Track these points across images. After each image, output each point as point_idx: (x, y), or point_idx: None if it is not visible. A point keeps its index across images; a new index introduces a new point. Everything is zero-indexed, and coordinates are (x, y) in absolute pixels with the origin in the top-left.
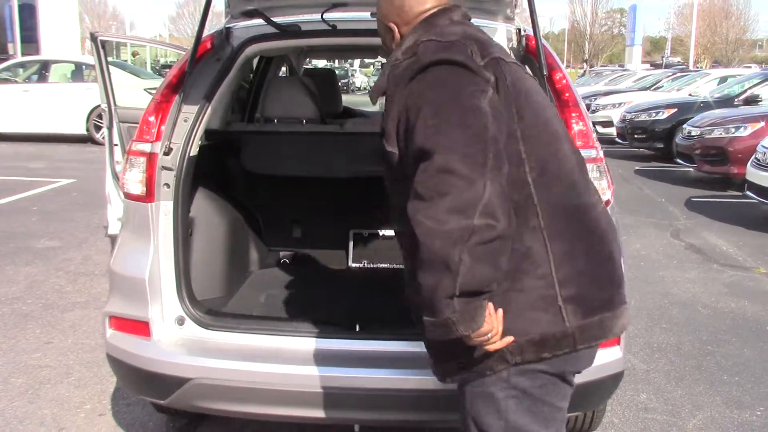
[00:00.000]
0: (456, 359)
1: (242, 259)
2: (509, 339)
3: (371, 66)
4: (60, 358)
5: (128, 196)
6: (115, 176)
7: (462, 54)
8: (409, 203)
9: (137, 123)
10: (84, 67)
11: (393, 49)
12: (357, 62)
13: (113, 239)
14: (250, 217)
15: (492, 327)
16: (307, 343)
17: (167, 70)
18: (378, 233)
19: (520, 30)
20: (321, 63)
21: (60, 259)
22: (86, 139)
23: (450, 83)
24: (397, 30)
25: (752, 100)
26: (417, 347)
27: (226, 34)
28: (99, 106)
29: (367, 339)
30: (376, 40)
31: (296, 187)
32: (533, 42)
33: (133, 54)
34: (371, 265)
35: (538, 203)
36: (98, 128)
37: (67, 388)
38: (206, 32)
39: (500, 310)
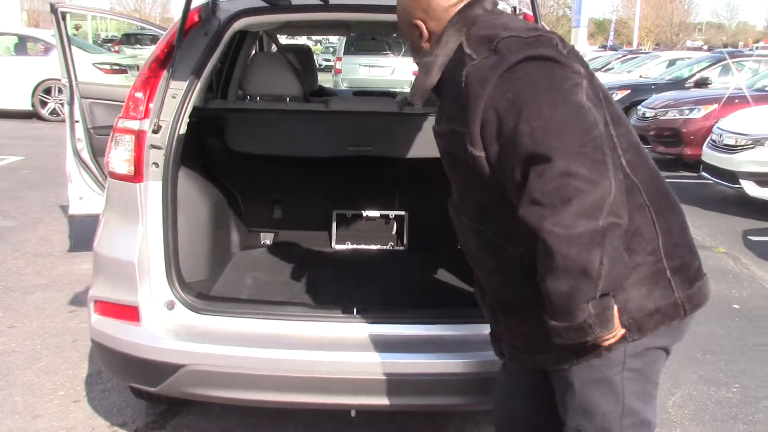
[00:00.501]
0: (565, 347)
1: (224, 240)
2: (622, 332)
3: None
4: (26, 342)
5: (113, 175)
6: (77, 154)
7: (551, 48)
8: (524, 209)
9: (100, 99)
10: (28, 40)
11: (423, 47)
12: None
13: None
14: (230, 197)
15: (618, 323)
16: (305, 328)
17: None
18: (361, 214)
19: (515, 9)
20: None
21: (16, 240)
22: (32, 115)
23: (545, 80)
24: (424, 27)
25: (702, 83)
26: (416, 330)
27: (212, 6)
28: (45, 80)
29: (366, 322)
30: (371, 16)
31: (278, 166)
32: (532, 21)
33: (76, 27)
34: (355, 246)
35: (638, 182)
36: (44, 103)
37: (36, 374)
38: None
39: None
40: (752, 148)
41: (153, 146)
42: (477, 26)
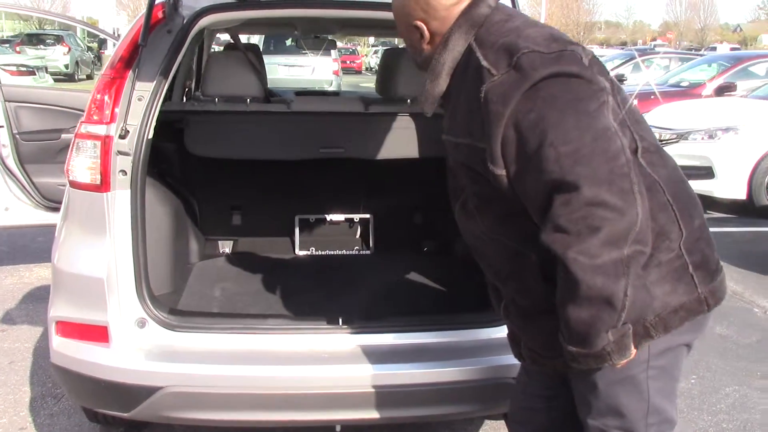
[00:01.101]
0: None
1: (183, 250)
2: (634, 352)
3: None
4: None
5: (75, 185)
6: (1, 161)
7: (575, 63)
8: (548, 236)
9: (26, 102)
10: None
11: (424, 49)
12: None
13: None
14: (186, 204)
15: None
16: (289, 341)
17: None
18: (325, 218)
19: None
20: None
21: None
22: None
23: (571, 101)
24: (426, 28)
25: (619, 80)
26: (404, 339)
27: (174, 2)
28: None
29: (352, 333)
30: (350, 13)
31: (236, 170)
32: None
33: None
34: (319, 253)
35: (660, 180)
36: None
37: None
38: None
39: None
40: (676, 142)
41: (120, 152)
42: (487, 30)
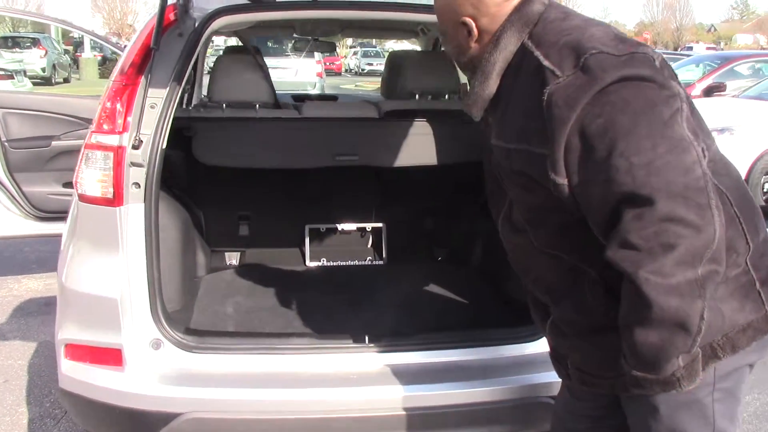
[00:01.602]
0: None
1: (191, 264)
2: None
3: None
4: None
5: (85, 198)
6: None
7: (648, 66)
8: (615, 253)
9: (15, 108)
10: None
11: (471, 48)
12: None
13: None
14: (192, 214)
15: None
16: (314, 362)
17: None
18: (336, 228)
19: None
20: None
21: None
22: None
23: (644, 107)
24: (474, 25)
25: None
26: (437, 357)
27: (185, 4)
28: None
29: (381, 352)
30: (365, 14)
31: (244, 179)
32: None
33: None
34: (331, 263)
35: (726, 192)
36: None
37: None
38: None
39: None
40: None
41: (133, 164)
42: (544, 28)
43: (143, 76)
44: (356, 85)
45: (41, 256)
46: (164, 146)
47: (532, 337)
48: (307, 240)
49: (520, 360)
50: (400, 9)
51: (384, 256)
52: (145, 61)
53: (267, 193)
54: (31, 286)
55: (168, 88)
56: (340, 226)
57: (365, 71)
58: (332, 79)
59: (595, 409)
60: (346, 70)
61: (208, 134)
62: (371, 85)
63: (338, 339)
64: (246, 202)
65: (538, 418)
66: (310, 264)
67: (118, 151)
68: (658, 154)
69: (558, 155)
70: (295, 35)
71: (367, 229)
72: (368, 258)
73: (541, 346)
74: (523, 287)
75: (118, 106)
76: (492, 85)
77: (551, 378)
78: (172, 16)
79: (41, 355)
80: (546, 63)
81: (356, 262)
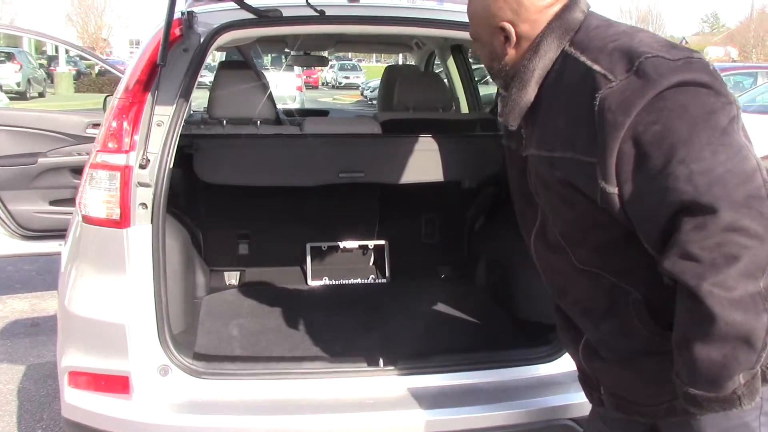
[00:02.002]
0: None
1: (191, 285)
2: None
3: None
4: None
5: (90, 220)
6: None
7: (706, 72)
8: (674, 264)
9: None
10: None
11: (507, 54)
12: None
13: None
14: (191, 234)
15: None
16: (328, 387)
17: None
18: (338, 246)
19: None
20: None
21: None
22: None
23: (702, 113)
24: (514, 30)
25: None
26: (455, 380)
27: (188, 18)
28: None
29: (399, 375)
30: (372, 29)
31: (243, 196)
32: None
33: None
34: (333, 282)
35: None
36: None
37: None
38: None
39: None
40: None
41: (141, 184)
42: (587, 34)
43: (150, 94)
44: (333, 98)
45: (25, 275)
46: (171, 165)
47: (550, 358)
48: (308, 258)
49: (540, 381)
50: (401, 23)
51: (387, 274)
52: (150, 78)
53: (266, 211)
54: (17, 306)
55: (175, 105)
56: (342, 244)
57: (342, 84)
58: (309, 93)
59: None
60: (323, 84)
61: (209, 152)
62: (349, 99)
63: (351, 362)
64: (245, 220)
65: None
66: (312, 283)
67: (125, 171)
68: (719, 162)
69: (610, 162)
70: (286, 50)
71: (370, 247)
72: (371, 276)
73: (559, 366)
74: (555, 307)
75: (125, 124)
76: (530, 93)
77: (571, 399)
78: (177, 32)
79: (30, 379)
80: (596, 67)
81: (359, 281)
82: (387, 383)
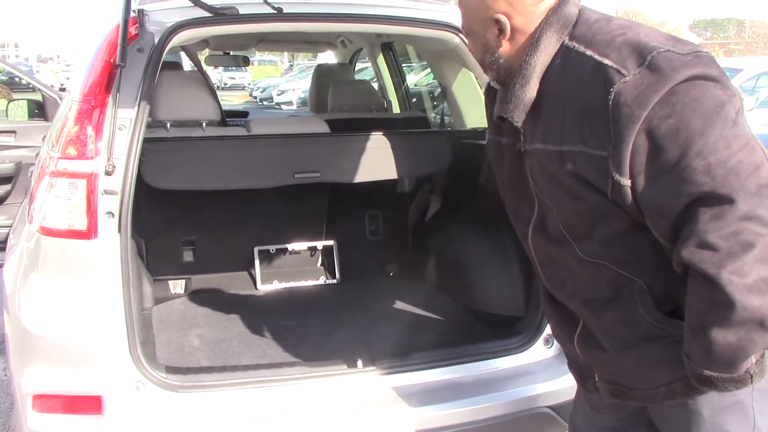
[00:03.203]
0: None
1: (138, 295)
2: None
3: None
4: None
5: (48, 231)
6: None
7: (714, 67)
8: (692, 253)
9: None
10: None
11: (500, 46)
12: None
13: None
14: (134, 242)
15: None
16: (311, 390)
17: None
18: (286, 248)
19: None
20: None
21: None
22: None
23: (714, 106)
24: (509, 23)
25: None
26: (439, 375)
27: (140, 16)
28: None
29: (380, 375)
30: (333, 27)
31: (186, 201)
32: None
33: None
34: (284, 285)
35: None
36: None
37: None
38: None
39: None
40: None
41: (107, 192)
42: (589, 28)
43: (110, 96)
44: (222, 100)
45: None
46: (136, 171)
47: (521, 348)
48: (256, 263)
49: (517, 372)
50: (362, 21)
51: (337, 274)
52: (109, 80)
53: (212, 216)
54: None
55: (137, 108)
56: (290, 246)
57: (228, 86)
58: None
59: (618, 420)
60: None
61: (156, 156)
62: (238, 99)
63: (330, 365)
64: (190, 225)
65: (540, 429)
66: (263, 287)
67: (92, 179)
68: (733, 153)
69: (624, 155)
70: (207, 48)
71: (318, 248)
72: (321, 277)
73: (530, 356)
74: (545, 298)
75: (89, 129)
76: (533, 88)
77: (547, 388)
78: (133, 30)
79: None
80: (607, 62)
81: (310, 283)
82: (368, 383)
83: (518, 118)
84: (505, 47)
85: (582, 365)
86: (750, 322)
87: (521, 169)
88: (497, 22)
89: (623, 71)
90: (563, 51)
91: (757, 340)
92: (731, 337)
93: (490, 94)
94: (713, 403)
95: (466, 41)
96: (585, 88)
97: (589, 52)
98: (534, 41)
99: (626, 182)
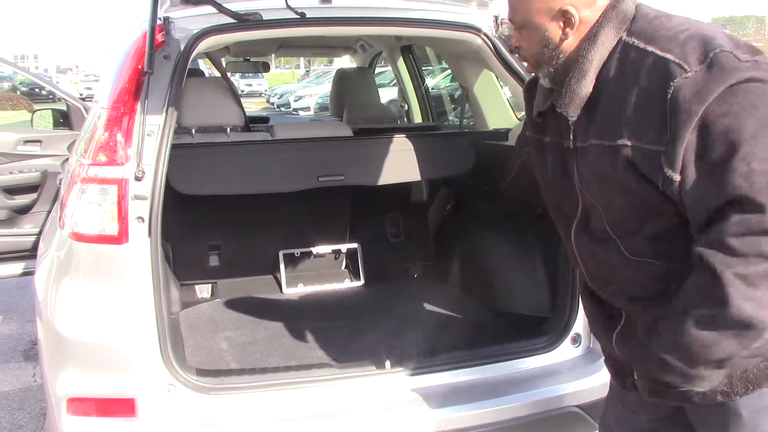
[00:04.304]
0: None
1: (167, 300)
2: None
3: None
4: None
5: (80, 237)
6: None
7: None
8: (707, 249)
9: None
10: None
11: (560, 41)
12: None
13: None
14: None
15: None
16: (341, 392)
17: None
18: (311, 251)
19: (497, 17)
20: None
21: None
22: None
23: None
24: (577, 14)
25: None
26: (467, 375)
27: (166, 24)
28: None
29: (408, 375)
30: (354, 30)
31: (212, 206)
32: None
33: None
34: (309, 289)
35: None
36: None
37: None
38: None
39: None
40: None
41: (137, 197)
42: (650, 24)
43: (139, 103)
44: None
45: None
46: (165, 176)
47: (549, 348)
48: (282, 266)
49: (545, 371)
50: (383, 24)
51: (361, 277)
52: (137, 87)
53: (237, 221)
54: None
55: (165, 114)
56: (315, 249)
57: (245, 93)
58: None
59: (652, 421)
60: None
61: (182, 162)
62: (255, 106)
63: (358, 366)
64: (216, 230)
65: (571, 427)
66: (288, 291)
67: (122, 184)
68: None
69: (678, 150)
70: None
71: (342, 251)
72: (345, 280)
73: (558, 356)
74: (584, 296)
75: (119, 136)
76: (589, 83)
77: (576, 387)
78: (159, 38)
79: (7, 412)
80: (669, 56)
81: (335, 286)
82: (397, 384)
83: (573, 113)
84: (569, 42)
85: (620, 362)
86: (736, 327)
87: (565, 166)
88: (565, 13)
89: (685, 66)
90: (621, 47)
91: (727, 348)
92: (707, 333)
93: (530, 91)
94: (752, 405)
95: (508, 37)
96: (644, 82)
97: (650, 48)
98: (591, 36)
99: (677, 177)
